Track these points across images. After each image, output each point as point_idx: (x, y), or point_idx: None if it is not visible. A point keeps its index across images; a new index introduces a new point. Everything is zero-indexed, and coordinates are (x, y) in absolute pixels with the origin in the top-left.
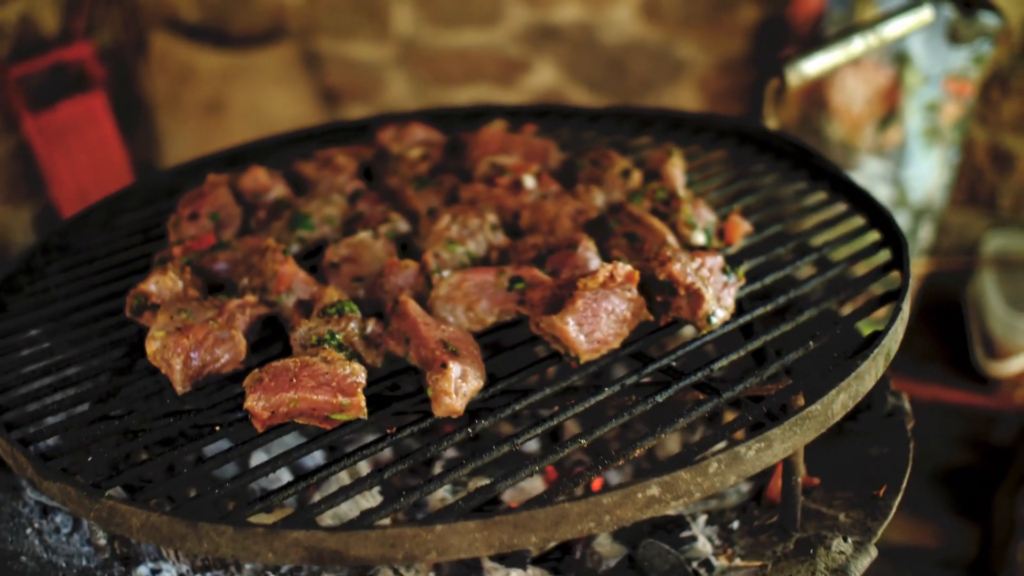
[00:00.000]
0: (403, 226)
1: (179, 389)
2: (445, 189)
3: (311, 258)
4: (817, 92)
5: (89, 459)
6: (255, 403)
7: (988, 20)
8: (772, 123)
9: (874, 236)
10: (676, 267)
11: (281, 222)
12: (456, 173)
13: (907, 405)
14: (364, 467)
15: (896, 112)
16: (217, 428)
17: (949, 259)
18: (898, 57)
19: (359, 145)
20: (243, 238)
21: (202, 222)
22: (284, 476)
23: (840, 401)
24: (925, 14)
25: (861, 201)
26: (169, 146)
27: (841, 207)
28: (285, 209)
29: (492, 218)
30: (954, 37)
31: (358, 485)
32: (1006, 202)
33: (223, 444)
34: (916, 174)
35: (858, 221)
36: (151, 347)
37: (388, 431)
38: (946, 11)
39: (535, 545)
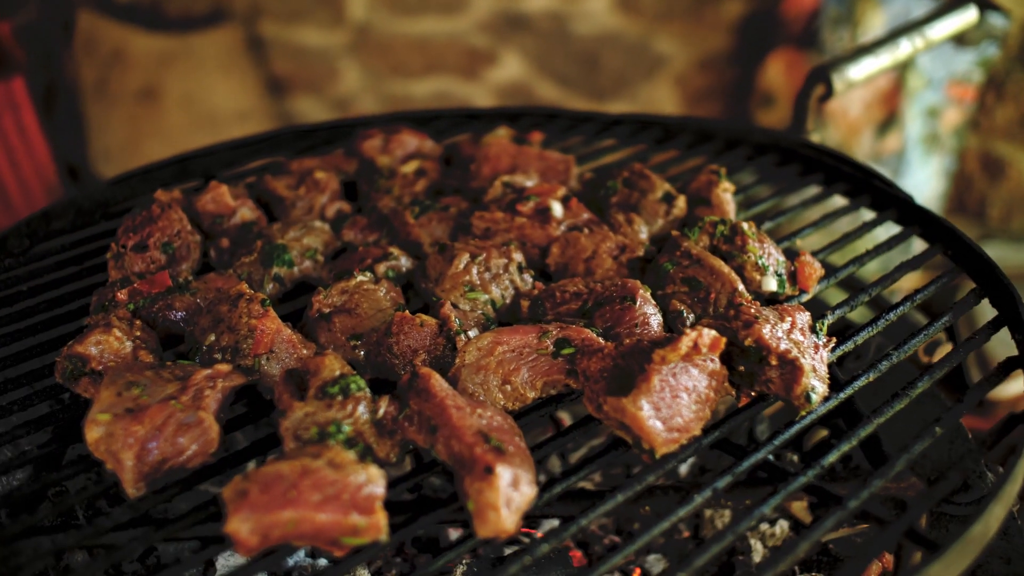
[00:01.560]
0: (406, 263)
1: (131, 492)
2: (452, 216)
3: (290, 301)
4: None
5: None
6: (240, 526)
7: (995, 21)
8: (816, 136)
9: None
10: (765, 330)
11: (252, 257)
12: (460, 193)
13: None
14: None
15: (896, 117)
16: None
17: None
18: None
19: (338, 154)
20: (205, 277)
21: (152, 254)
22: None
23: (996, 514)
24: (971, 14)
25: (943, 235)
26: (98, 137)
27: (918, 243)
28: (256, 239)
29: (519, 257)
30: (960, 40)
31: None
32: (995, 212)
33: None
34: (914, 183)
35: (941, 259)
36: (92, 434)
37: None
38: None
39: None
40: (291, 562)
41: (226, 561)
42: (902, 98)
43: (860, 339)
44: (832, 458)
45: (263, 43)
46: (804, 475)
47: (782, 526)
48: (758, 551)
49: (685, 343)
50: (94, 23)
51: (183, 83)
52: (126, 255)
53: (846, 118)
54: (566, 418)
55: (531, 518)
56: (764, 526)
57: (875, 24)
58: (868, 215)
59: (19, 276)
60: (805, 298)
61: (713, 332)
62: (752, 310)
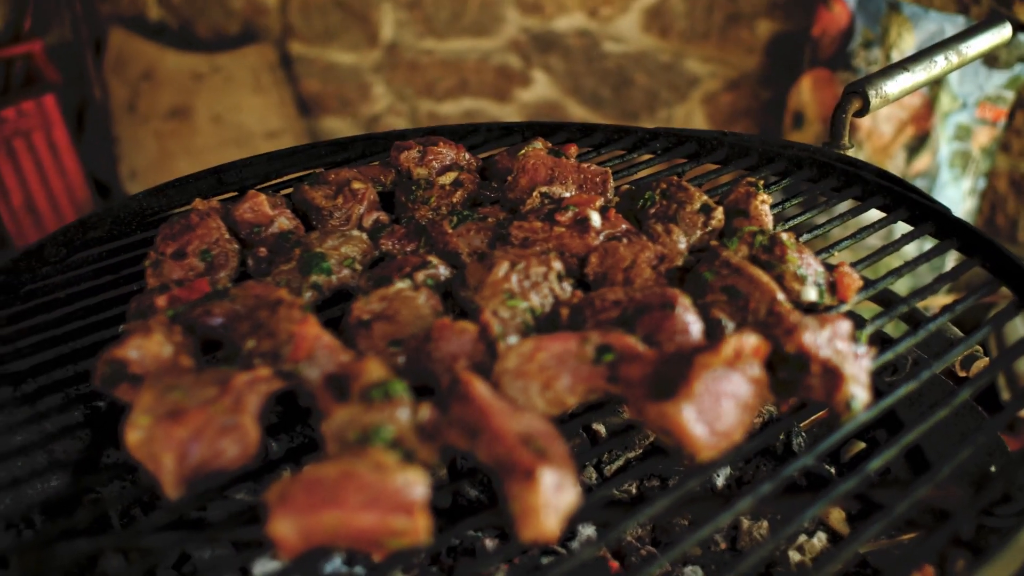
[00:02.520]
0: (444, 271)
1: (170, 494)
2: (491, 226)
3: (327, 309)
4: None
5: None
6: (282, 528)
7: None
8: (852, 151)
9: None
10: (807, 337)
11: (290, 264)
12: (498, 204)
13: None
14: None
15: (928, 138)
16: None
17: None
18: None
19: (375, 165)
20: (244, 284)
21: (190, 262)
22: None
23: None
24: (1005, 31)
25: (981, 248)
26: (128, 155)
27: (955, 255)
28: (294, 248)
29: (558, 265)
30: (992, 60)
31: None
32: None
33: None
34: (945, 203)
35: (980, 272)
36: (133, 437)
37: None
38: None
39: None
40: (328, 569)
41: (263, 568)
42: (934, 119)
43: (901, 348)
44: (876, 464)
45: (294, 62)
46: (847, 482)
47: (820, 538)
48: (795, 561)
49: (727, 348)
50: (126, 42)
51: (213, 102)
52: (164, 262)
53: (878, 138)
54: (602, 430)
55: (570, 525)
56: (802, 538)
57: (907, 45)
58: (904, 228)
59: (56, 284)
60: (844, 308)
61: (755, 338)
62: (793, 317)
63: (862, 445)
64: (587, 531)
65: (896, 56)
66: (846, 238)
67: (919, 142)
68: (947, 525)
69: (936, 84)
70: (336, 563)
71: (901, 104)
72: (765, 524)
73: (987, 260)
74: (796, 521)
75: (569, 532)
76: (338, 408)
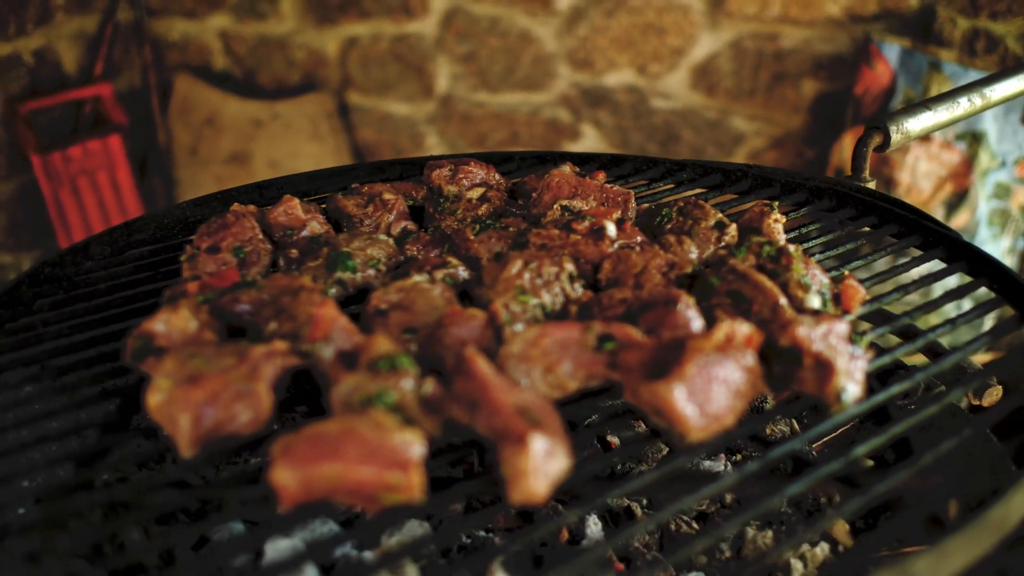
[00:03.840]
0: (463, 273)
1: (185, 453)
2: (511, 234)
3: (350, 305)
4: (882, 169)
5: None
6: (283, 476)
7: None
8: (872, 183)
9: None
10: (801, 331)
11: (317, 261)
12: (522, 219)
13: None
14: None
15: (967, 195)
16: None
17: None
18: (971, 137)
19: (408, 183)
20: (272, 276)
21: (223, 256)
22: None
23: (1018, 503)
24: None
25: (988, 270)
26: (188, 196)
27: (964, 276)
28: (322, 247)
29: (570, 267)
30: None
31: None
32: None
33: (236, 526)
34: None
35: (985, 290)
36: (153, 399)
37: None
38: None
39: None
40: (338, 553)
41: (275, 548)
42: (973, 176)
43: (900, 353)
44: (861, 451)
45: (351, 111)
46: (831, 464)
47: (823, 548)
48: (798, 571)
49: (719, 333)
50: (191, 89)
51: (271, 148)
52: (199, 256)
53: (917, 195)
54: (615, 440)
55: (564, 496)
56: (805, 547)
57: None
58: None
59: (99, 276)
60: (848, 319)
61: (748, 327)
62: (788, 314)
63: (871, 463)
64: (594, 530)
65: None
66: (858, 259)
67: (958, 199)
68: (928, 503)
69: (974, 141)
70: (347, 547)
71: (940, 161)
72: (770, 533)
73: (994, 281)
74: (776, 496)
75: (578, 533)
76: (346, 376)
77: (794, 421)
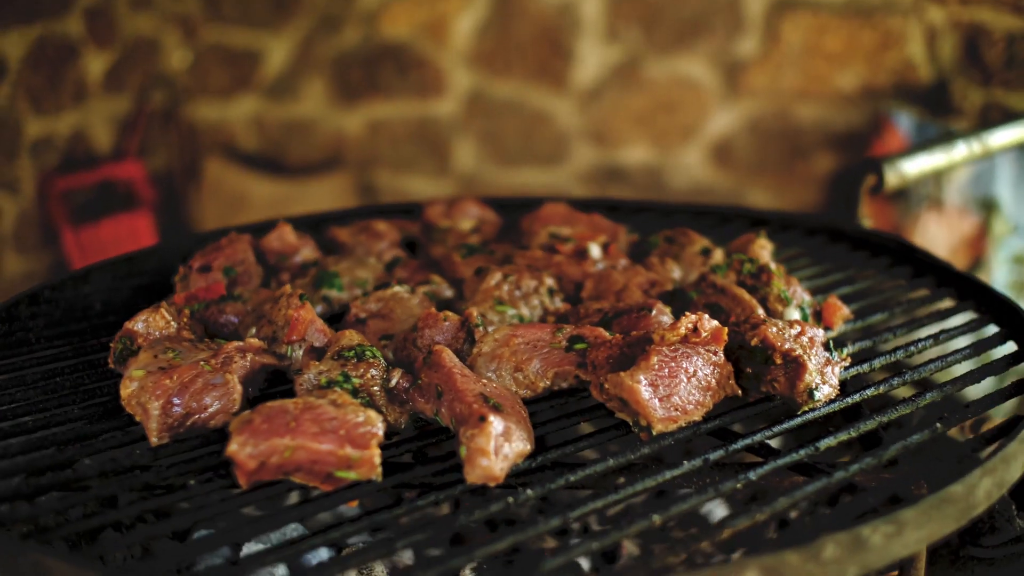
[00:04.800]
0: (447, 291)
1: (153, 440)
2: (497, 259)
3: (334, 323)
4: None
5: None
6: (241, 449)
7: None
8: (867, 222)
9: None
10: (772, 331)
11: (305, 279)
12: (511, 245)
13: None
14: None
15: (982, 262)
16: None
17: None
18: (985, 204)
19: (406, 220)
20: (257, 290)
21: (214, 275)
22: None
23: (984, 488)
24: None
25: (975, 293)
26: None
27: (949, 301)
28: (312, 268)
29: (550, 281)
30: None
31: (361, 555)
32: None
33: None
34: None
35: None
36: (126, 389)
37: (407, 495)
38: None
39: None
40: (314, 562)
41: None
42: (987, 243)
43: (878, 364)
44: (828, 442)
45: (373, 190)
46: (797, 452)
47: None
48: None
49: (684, 324)
50: (220, 169)
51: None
52: (192, 275)
53: None
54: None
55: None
56: None
57: (960, 172)
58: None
59: (96, 300)
60: (831, 335)
61: (715, 322)
62: (761, 316)
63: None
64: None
65: (948, 181)
66: (843, 282)
67: (973, 267)
68: (891, 482)
69: (988, 209)
70: (322, 554)
71: (951, 227)
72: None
73: (981, 304)
74: (739, 479)
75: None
76: (312, 364)
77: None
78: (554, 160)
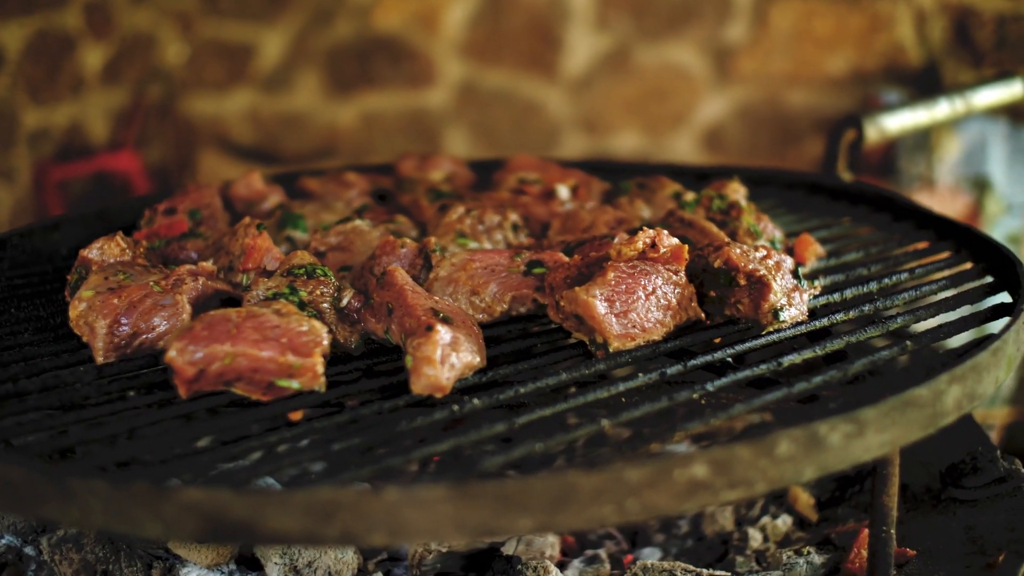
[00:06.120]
0: (411, 231)
1: (99, 358)
2: (466, 203)
3: None
4: None
5: None
6: (179, 356)
7: None
8: (846, 175)
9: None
10: (735, 252)
11: (270, 221)
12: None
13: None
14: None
15: None
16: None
17: None
18: (977, 183)
19: (379, 176)
20: (219, 228)
21: (179, 218)
22: None
23: (953, 395)
24: (1016, 88)
25: (955, 234)
26: None
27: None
28: (277, 211)
29: (514, 216)
30: None
31: (295, 454)
32: None
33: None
34: None
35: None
36: (75, 310)
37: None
38: None
39: (526, 530)
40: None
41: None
42: (980, 223)
43: (850, 294)
44: (791, 359)
45: None
46: (757, 367)
47: (785, 520)
48: (756, 539)
49: (642, 238)
50: (214, 162)
51: None
52: (156, 217)
53: None
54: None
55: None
56: (766, 519)
57: (951, 150)
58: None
59: (64, 247)
60: (803, 271)
61: (675, 239)
62: (725, 240)
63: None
64: None
65: (939, 161)
66: (821, 227)
67: None
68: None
69: (981, 188)
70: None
71: (944, 207)
72: (729, 512)
73: (961, 244)
74: (695, 389)
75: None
76: (262, 280)
77: None
78: (546, 149)
